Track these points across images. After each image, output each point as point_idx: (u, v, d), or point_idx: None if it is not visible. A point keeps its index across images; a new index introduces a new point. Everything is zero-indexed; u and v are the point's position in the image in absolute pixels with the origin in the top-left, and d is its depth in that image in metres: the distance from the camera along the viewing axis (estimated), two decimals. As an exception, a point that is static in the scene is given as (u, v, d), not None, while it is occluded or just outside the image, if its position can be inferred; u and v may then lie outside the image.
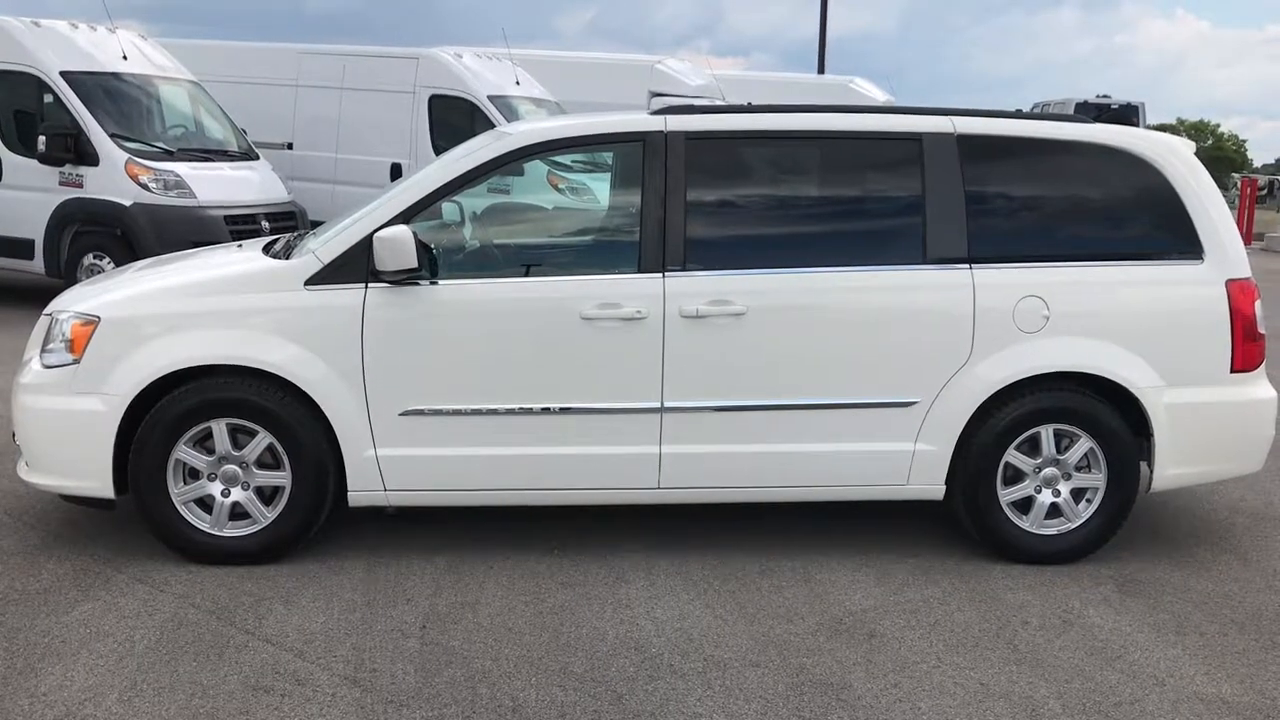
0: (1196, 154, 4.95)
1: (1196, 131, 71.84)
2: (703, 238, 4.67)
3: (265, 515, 4.59)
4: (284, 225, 10.87)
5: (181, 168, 10.70)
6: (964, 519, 4.85)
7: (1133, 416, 4.78)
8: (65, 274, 10.45)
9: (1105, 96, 27.73)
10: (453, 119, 13.51)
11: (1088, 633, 4.19)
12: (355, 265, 4.51)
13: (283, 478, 4.57)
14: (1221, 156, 64.22)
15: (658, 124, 4.72)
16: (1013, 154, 4.86)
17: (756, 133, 4.82)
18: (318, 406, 4.50)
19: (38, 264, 10.73)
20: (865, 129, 4.84)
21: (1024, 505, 4.82)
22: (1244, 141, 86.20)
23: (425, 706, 3.55)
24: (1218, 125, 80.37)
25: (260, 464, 4.58)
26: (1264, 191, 34.77)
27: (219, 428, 4.52)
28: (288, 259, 4.71)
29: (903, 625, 4.23)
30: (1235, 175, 41.96)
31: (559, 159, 10.08)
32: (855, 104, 8.75)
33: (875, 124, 4.85)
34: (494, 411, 4.56)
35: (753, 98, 13.32)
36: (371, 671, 3.77)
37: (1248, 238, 23.02)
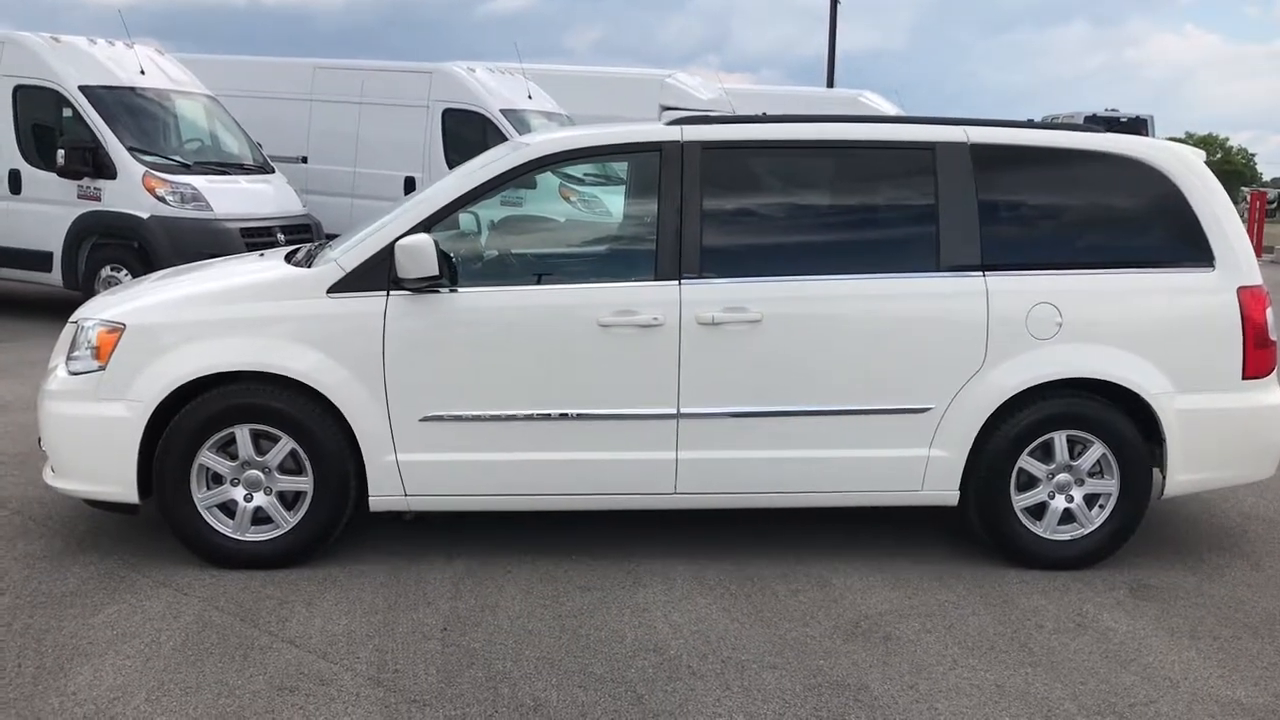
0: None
1: (1206, 145, 71.61)
2: (719, 246, 4.72)
3: (287, 520, 4.65)
4: (299, 238, 10.93)
5: (198, 181, 10.81)
6: (978, 524, 4.89)
7: (1145, 422, 4.81)
8: (83, 286, 10.54)
9: (1113, 110, 27.78)
10: (466, 133, 13.62)
11: (1102, 636, 4.23)
12: (377, 273, 4.57)
13: (305, 483, 4.63)
14: (1231, 170, 64.08)
15: (674, 134, 4.78)
16: (1025, 163, 4.91)
17: (771, 142, 4.88)
18: (339, 412, 4.56)
19: (56, 276, 10.85)
20: (879, 139, 4.90)
21: (1038, 511, 4.85)
22: (1253, 155, 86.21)
23: (448, 706, 3.60)
24: (1227, 139, 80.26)
25: (283, 469, 4.63)
26: (1273, 205, 34.73)
27: (242, 433, 4.57)
28: (310, 267, 4.78)
29: (918, 628, 4.27)
30: (1245, 189, 41.93)
31: (570, 172, 10.20)
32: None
33: (889, 134, 4.92)
34: (512, 417, 4.61)
35: (763, 110, 13.38)
36: (394, 672, 3.82)
37: (1257, 250, 23.01)
